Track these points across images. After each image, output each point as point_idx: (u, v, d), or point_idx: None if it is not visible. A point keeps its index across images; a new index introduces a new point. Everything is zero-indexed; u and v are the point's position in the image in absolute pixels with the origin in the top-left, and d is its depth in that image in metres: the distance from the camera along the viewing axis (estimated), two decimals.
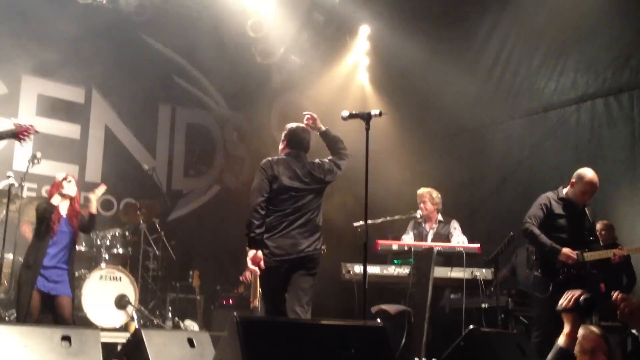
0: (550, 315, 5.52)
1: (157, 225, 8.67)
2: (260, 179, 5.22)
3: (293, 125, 5.55)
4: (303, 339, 3.43)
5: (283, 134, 5.55)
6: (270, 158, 5.34)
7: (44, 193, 8.80)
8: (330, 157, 5.55)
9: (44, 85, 9.35)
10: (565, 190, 6.13)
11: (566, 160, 8.35)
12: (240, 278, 8.80)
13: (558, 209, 6.05)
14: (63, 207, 6.68)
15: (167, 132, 10.49)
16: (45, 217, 6.52)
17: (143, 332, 5.01)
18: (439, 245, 6.59)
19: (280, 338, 3.36)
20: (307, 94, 11.06)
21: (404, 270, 6.59)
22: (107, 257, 8.07)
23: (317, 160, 5.46)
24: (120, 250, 8.25)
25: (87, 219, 6.94)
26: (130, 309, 7.86)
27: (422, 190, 7.37)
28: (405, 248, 6.58)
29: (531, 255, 6.16)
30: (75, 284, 7.33)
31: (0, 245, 6.57)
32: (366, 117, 5.00)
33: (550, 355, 2.70)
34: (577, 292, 2.78)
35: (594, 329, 3.11)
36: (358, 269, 6.41)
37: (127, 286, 7.91)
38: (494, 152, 9.69)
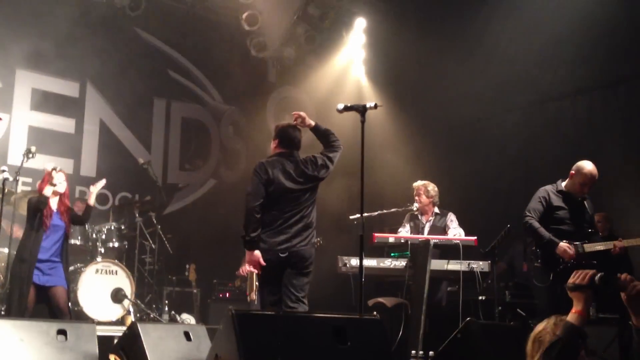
0: (554, 303, 5.57)
1: (153, 219, 8.64)
2: (255, 183, 5.25)
3: (283, 124, 5.55)
4: (299, 332, 3.42)
5: (274, 134, 5.55)
6: (264, 161, 5.36)
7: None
8: (322, 151, 5.55)
9: (39, 79, 9.30)
10: (564, 183, 6.14)
11: (563, 152, 8.35)
12: (237, 272, 8.79)
13: (557, 201, 6.05)
14: (53, 202, 6.66)
15: (162, 127, 10.46)
16: (38, 209, 6.50)
17: (139, 326, 4.99)
18: (435, 238, 6.59)
19: (276, 331, 3.36)
20: (302, 87, 11.04)
21: (401, 263, 6.59)
22: (103, 250, 8.05)
23: (309, 157, 5.45)
24: (116, 244, 8.22)
25: (82, 211, 6.95)
26: (126, 302, 7.84)
27: (418, 183, 7.35)
28: (402, 241, 6.58)
29: (529, 247, 6.16)
30: (71, 278, 7.32)
31: None
32: (361, 110, 4.98)
33: (560, 332, 2.68)
34: (588, 271, 2.76)
35: (565, 317, 3.12)
36: (354, 262, 6.40)
37: (123, 280, 7.89)
38: (490, 145, 9.68)
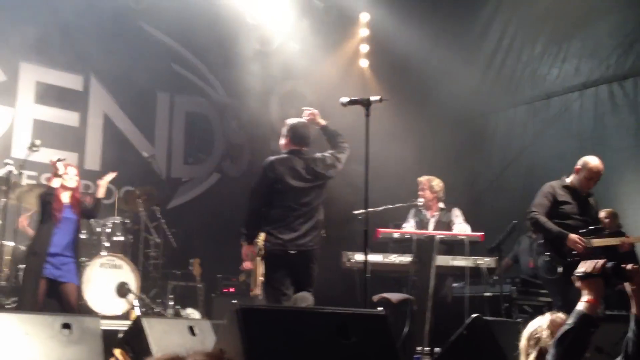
0: (564, 295, 5.56)
1: (157, 213, 8.63)
2: (262, 181, 5.31)
3: (294, 120, 5.55)
4: (303, 328, 3.40)
5: (284, 130, 5.55)
6: (272, 159, 5.38)
7: (43, 180, 8.75)
8: (330, 151, 5.55)
9: (43, 72, 9.28)
10: (569, 179, 6.11)
11: (569, 147, 8.31)
12: (241, 267, 8.77)
13: (563, 196, 6.03)
14: (65, 195, 6.64)
15: (166, 120, 10.44)
16: (47, 201, 6.49)
17: (144, 320, 4.99)
18: (441, 234, 6.56)
19: (281, 326, 3.34)
20: (306, 81, 11.00)
21: (406, 259, 6.56)
22: (107, 244, 8.03)
23: (318, 155, 5.44)
24: (121, 238, 8.20)
25: (92, 204, 6.97)
26: (131, 296, 7.83)
27: (422, 178, 7.32)
28: (407, 236, 6.55)
29: (535, 242, 6.13)
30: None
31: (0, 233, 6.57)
32: (366, 103, 4.97)
33: (572, 320, 2.67)
34: (599, 260, 2.74)
35: (561, 315, 3.10)
36: (359, 257, 6.36)
37: (127, 274, 7.88)
38: (496, 140, 9.65)
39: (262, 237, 8.29)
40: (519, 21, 9.51)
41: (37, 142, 7.12)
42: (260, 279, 8.08)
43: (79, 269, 6.78)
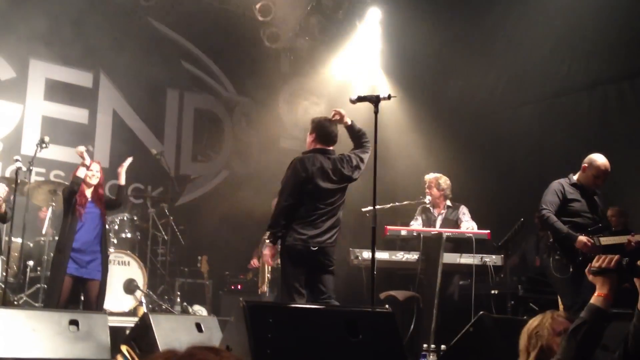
0: (574, 294, 5.55)
1: (166, 210, 8.66)
2: (291, 180, 5.26)
3: (321, 118, 5.50)
4: (311, 325, 3.41)
5: (311, 127, 5.51)
6: (303, 157, 5.35)
7: (52, 177, 8.81)
8: (354, 151, 5.53)
9: (52, 69, 9.32)
10: (575, 177, 6.09)
11: (577, 146, 8.25)
12: (249, 266, 8.79)
13: (572, 194, 6.01)
14: (88, 191, 6.67)
15: (175, 117, 10.46)
16: (72, 191, 6.51)
17: (151, 317, 5.01)
18: (448, 231, 6.54)
19: (288, 323, 3.34)
20: (315, 78, 11.00)
21: (413, 256, 6.55)
22: (115, 241, 8.07)
23: (345, 155, 5.43)
24: (129, 235, 8.24)
25: (115, 194, 7.01)
26: (138, 293, 7.87)
27: (429, 176, 7.31)
28: (414, 234, 6.54)
29: (543, 240, 6.11)
30: None
31: (8, 230, 6.60)
32: (375, 100, 4.96)
33: (584, 314, 2.69)
34: (613, 255, 2.75)
35: (561, 312, 3.11)
36: (366, 254, 6.37)
37: (135, 271, 7.92)
38: (504, 137, 9.61)
39: (267, 235, 8.34)
40: (529, 20, 9.46)
41: (46, 138, 7.15)
42: (268, 276, 8.13)
43: (106, 264, 6.76)
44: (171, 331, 5.04)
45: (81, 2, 8.93)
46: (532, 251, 7.92)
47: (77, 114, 9.50)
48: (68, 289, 6.43)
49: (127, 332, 5.64)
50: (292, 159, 5.39)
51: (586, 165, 6.01)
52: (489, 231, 6.55)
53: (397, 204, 7.14)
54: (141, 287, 7.88)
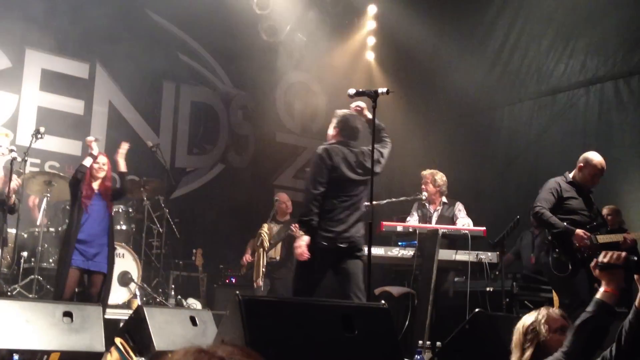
0: (572, 292, 5.57)
1: (161, 203, 8.63)
2: (320, 167, 5.19)
3: (345, 112, 5.43)
4: (306, 320, 3.40)
5: (335, 121, 5.46)
6: (327, 147, 5.28)
7: (47, 168, 8.77)
8: (375, 145, 5.48)
9: (48, 59, 9.26)
10: (571, 175, 6.10)
11: (574, 143, 8.27)
12: (241, 261, 8.77)
13: (568, 192, 6.01)
14: (95, 184, 6.64)
15: (171, 110, 10.42)
16: (76, 179, 6.48)
17: (145, 310, 5.00)
18: (444, 228, 6.54)
19: (283, 318, 3.33)
20: (313, 72, 10.98)
21: (409, 252, 6.55)
22: None
23: (365, 149, 5.39)
24: (124, 227, 8.21)
25: (118, 182, 6.98)
26: (133, 286, 7.85)
27: (425, 172, 7.31)
28: (410, 230, 6.54)
29: (540, 238, 6.11)
30: None
31: (2, 221, 6.57)
32: (373, 95, 4.93)
33: (591, 309, 2.72)
34: (620, 252, 2.78)
35: (556, 309, 3.12)
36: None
37: (130, 263, 7.90)
38: (501, 135, 9.62)
39: (265, 227, 8.34)
40: (526, 16, 9.47)
41: (42, 129, 7.11)
42: (263, 270, 8.12)
43: (113, 257, 6.73)
44: (165, 324, 5.03)
45: None
46: (527, 249, 7.92)
47: (73, 105, 9.44)
48: (74, 282, 6.40)
49: (121, 324, 5.64)
50: (315, 151, 5.33)
51: (582, 164, 6.01)
52: (484, 228, 6.55)
53: (393, 199, 7.14)
54: (135, 280, 7.86)
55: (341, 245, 5.09)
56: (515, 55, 9.61)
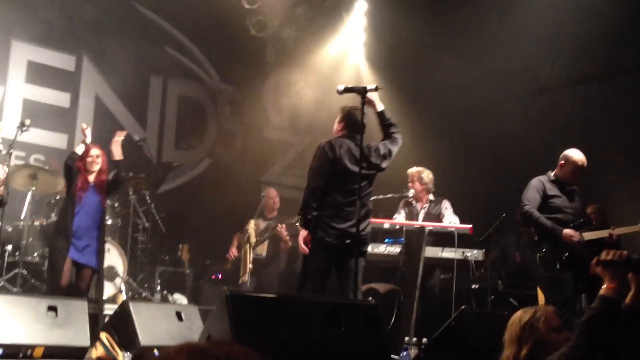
0: (559, 290, 5.61)
1: (147, 197, 8.59)
2: (322, 160, 5.16)
3: (350, 106, 5.39)
4: (293, 316, 3.40)
5: (340, 116, 5.43)
6: (331, 140, 5.25)
7: (32, 161, 8.70)
8: (383, 141, 5.46)
9: (35, 51, 9.17)
10: (553, 173, 6.15)
11: (559, 142, 8.28)
12: (227, 256, 8.75)
13: (552, 190, 6.07)
14: (91, 177, 6.57)
15: (158, 104, 10.36)
16: (68, 166, 6.42)
17: (131, 305, 4.98)
18: (430, 225, 6.56)
19: (270, 314, 3.33)
20: (301, 68, 10.96)
21: (395, 249, 6.56)
22: None
23: (372, 144, 5.36)
24: (109, 222, 8.13)
25: (113, 172, 6.81)
26: (118, 280, 7.81)
27: (412, 170, 7.32)
28: (397, 227, 6.55)
29: (526, 237, 6.15)
30: None
31: None
32: (362, 92, 4.94)
33: (597, 305, 2.77)
34: (621, 251, 2.86)
35: (551, 307, 3.15)
36: None
37: (115, 258, 7.85)
38: (487, 133, 9.65)
39: (252, 223, 8.32)
40: (513, 15, 9.50)
41: (27, 121, 7.04)
42: (250, 266, 8.11)
43: (102, 252, 6.66)
44: (151, 319, 5.02)
45: None
46: (512, 247, 7.96)
47: (58, 98, 9.35)
48: (69, 270, 6.33)
49: (107, 319, 5.61)
50: (319, 143, 5.29)
51: (562, 161, 6.09)
52: (471, 226, 6.57)
53: (380, 196, 7.14)
54: (121, 275, 7.82)
55: (347, 241, 5.05)
56: (501, 54, 9.64)
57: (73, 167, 6.45)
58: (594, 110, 8.59)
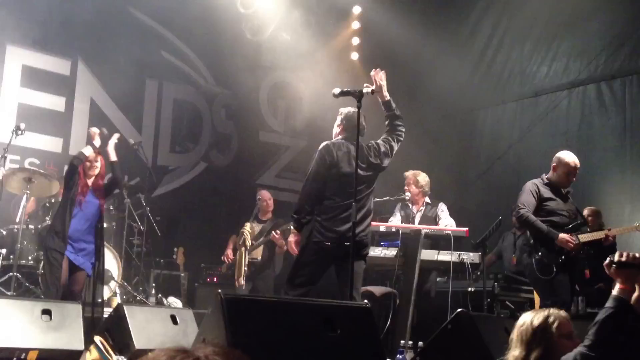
0: (555, 293, 5.61)
1: (142, 201, 8.56)
2: (319, 165, 5.15)
3: (349, 109, 5.37)
4: (288, 319, 3.38)
5: (339, 119, 5.43)
6: (329, 143, 5.25)
7: (27, 165, 8.67)
8: (384, 137, 5.43)
9: (29, 55, 9.15)
10: (547, 176, 6.16)
11: (555, 145, 8.30)
12: (222, 258, 8.73)
13: (547, 193, 6.07)
14: (89, 181, 6.53)
15: (153, 108, 10.34)
16: (73, 166, 6.37)
17: (125, 308, 4.95)
18: (426, 228, 6.55)
19: (265, 317, 3.31)
20: (297, 72, 10.95)
21: (391, 252, 6.54)
22: None
23: (373, 142, 5.33)
24: (105, 225, 8.10)
25: (110, 174, 6.75)
26: (113, 284, 7.78)
27: (408, 173, 7.32)
28: (393, 230, 6.54)
29: (522, 240, 6.14)
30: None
31: None
32: (358, 95, 4.93)
33: (610, 304, 2.81)
34: (634, 253, 2.90)
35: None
36: None
37: (110, 261, 7.82)
38: (483, 136, 9.67)
39: (247, 227, 8.30)
40: (510, 18, 9.52)
41: (22, 126, 7.03)
42: (245, 269, 8.09)
43: (98, 257, 6.54)
44: (146, 322, 4.99)
45: None
46: (508, 250, 7.96)
47: (53, 102, 9.33)
48: (67, 269, 6.27)
49: (101, 322, 5.58)
50: (319, 146, 5.26)
51: (555, 164, 6.10)
52: (467, 229, 6.56)
53: (376, 199, 7.12)
54: (116, 278, 7.80)
55: (346, 244, 4.98)
56: (498, 56, 9.66)
57: (78, 167, 6.40)
58: (590, 113, 8.60)
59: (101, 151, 6.65)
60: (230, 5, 9.94)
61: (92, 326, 5.56)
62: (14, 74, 9.03)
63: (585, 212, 7.15)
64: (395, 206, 7.35)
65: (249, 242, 8.17)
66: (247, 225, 8.36)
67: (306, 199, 5.11)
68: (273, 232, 8.09)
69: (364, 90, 4.93)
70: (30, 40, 9.01)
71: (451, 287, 6.39)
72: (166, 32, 10.42)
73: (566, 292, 5.75)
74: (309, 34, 10.65)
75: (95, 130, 6.63)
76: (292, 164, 11.24)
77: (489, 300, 6.73)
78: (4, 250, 7.41)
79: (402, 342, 5.98)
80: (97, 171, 6.52)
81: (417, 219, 7.10)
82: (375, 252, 6.58)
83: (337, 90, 5.04)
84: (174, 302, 8.32)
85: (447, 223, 6.87)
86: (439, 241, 6.63)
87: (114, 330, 4.92)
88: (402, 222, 7.03)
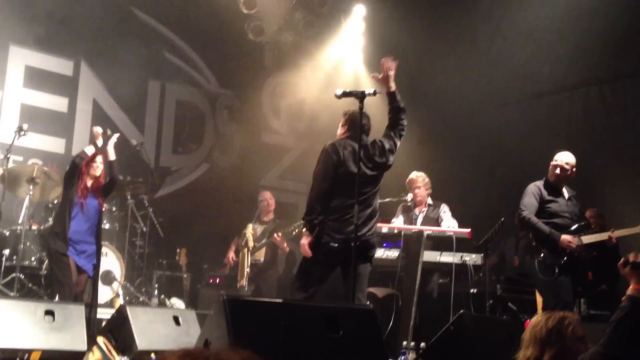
0: (558, 295, 5.61)
1: (145, 202, 8.57)
2: (326, 164, 5.11)
3: (353, 111, 5.29)
4: (291, 320, 3.38)
5: (343, 119, 5.40)
6: (335, 142, 5.21)
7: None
8: (387, 133, 5.40)
9: (32, 56, 9.16)
10: (549, 178, 6.19)
11: (558, 146, 8.28)
12: (225, 261, 8.74)
13: (548, 195, 6.09)
14: (90, 182, 6.52)
15: (156, 108, 10.35)
16: (75, 163, 6.36)
17: (128, 309, 4.97)
18: (429, 229, 6.55)
19: (268, 318, 3.32)
20: (299, 73, 10.95)
21: (393, 254, 6.55)
22: None
23: (376, 140, 5.31)
24: (107, 226, 8.12)
25: (108, 174, 6.68)
26: (115, 285, 7.79)
27: (415, 175, 7.29)
28: (395, 231, 6.53)
29: (525, 242, 6.15)
30: None
31: None
32: (360, 96, 4.93)
33: (626, 303, 2.88)
34: None
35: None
36: None
37: (113, 262, 7.83)
38: (486, 137, 9.64)
39: (249, 228, 8.31)
40: (512, 20, 9.51)
41: (25, 126, 7.04)
42: (247, 270, 8.09)
43: (98, 258, 6.53)
44: (148, 324, 5.00)
45: None
46: (511, 251, 7.95)
47: (56, 102, 9.35)
48: (74, 268, 6.24)
49: (104, 323, 5.59)
50: (324, 146, 5.22)
51: (550, 165, 6.16)
52: (469, 230, 6.56)
53: (379, 200, 7.13)
54: (118, 279, 7.80)
55: (348, 243, 4.94)
56: (501, 58, 9.65)
57: (80, 166, 6.38)
58: (592, 114, 8.59)
59: (102, 151, 6.66)
60: (233, 6, 9.95)
61: (91, 327, 5.56)
62: (16, 75, 9.05)
63: (588, 213, 7.14)
64: (397, 207, 7.35)
65: (251, 244, 8.17)
66: (249, 227, 8.36)
67: (317, 198, 5.06)
68: (275, 234, 8.10)
69: (367, 92, 4.92)
70: (33, 41, 9.03)
71: (453, 288, 6.39)
72: (169, 33, 10.43)
73: (568, 294, 5.76)
74: (312, 35, 10.66)
75: (99, 129, 6.61)
76: (294, 165, 11.23)
77: (491, 301, 6.73)
78: (7, 251, 7.41)
79: (405, 343, 5.98)
80: (99, 172, 6.51)
81: (420, 220, 7.11)
82: (378, 253, 6.58)
83: (339, 91, 5.03)
84: (177, 303, 8.32)
85: (449, 224, 6.87)
86: (441, 242, 6.64)
87: (117, 331, 4.93)
88: (404, 224, 7.03)
